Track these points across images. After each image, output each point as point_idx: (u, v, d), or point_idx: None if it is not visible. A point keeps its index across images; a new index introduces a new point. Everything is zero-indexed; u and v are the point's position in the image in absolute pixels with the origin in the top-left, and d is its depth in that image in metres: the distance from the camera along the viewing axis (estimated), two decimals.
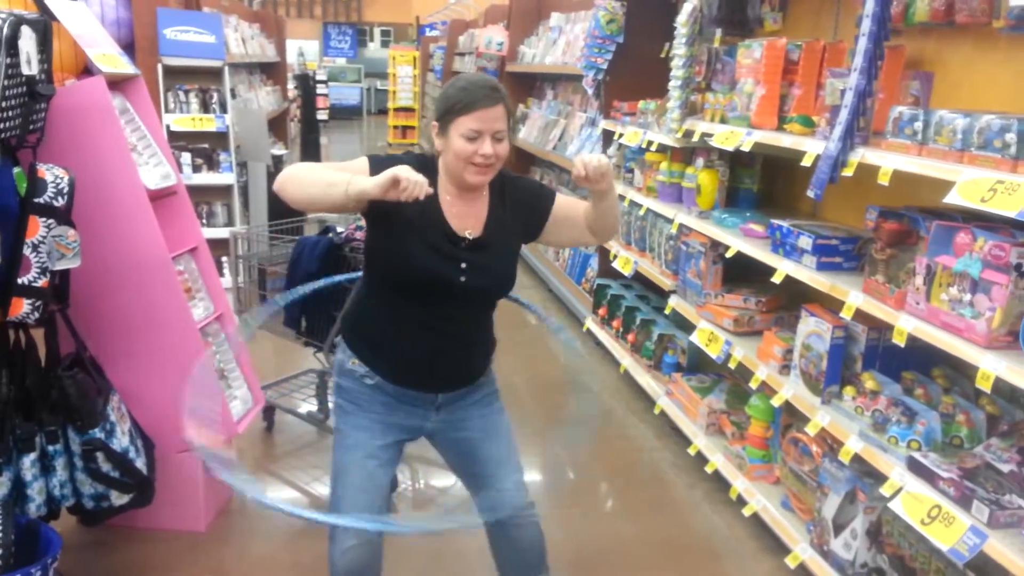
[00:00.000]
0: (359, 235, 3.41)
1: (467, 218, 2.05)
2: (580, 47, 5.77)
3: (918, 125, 2.39)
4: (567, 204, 2.18)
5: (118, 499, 2.57)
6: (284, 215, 5.65)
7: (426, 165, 2.05)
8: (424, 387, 2.11)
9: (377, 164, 1.98)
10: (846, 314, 2.67)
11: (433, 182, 2.02)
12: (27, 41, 2.17)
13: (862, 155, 2.58)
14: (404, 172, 1.76)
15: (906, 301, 2.42)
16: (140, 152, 2.95)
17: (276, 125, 9.45)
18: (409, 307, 2.04)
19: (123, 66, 2.93)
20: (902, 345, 2.42)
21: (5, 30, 2.10)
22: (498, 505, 2.17)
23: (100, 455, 2.47)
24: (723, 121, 3.52)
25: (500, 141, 1.97)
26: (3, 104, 2.13)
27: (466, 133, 1.93)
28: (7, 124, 2.17)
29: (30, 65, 2.20)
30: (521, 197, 2.13)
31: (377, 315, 2.10)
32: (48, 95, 2.30)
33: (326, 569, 2.07)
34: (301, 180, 1.90)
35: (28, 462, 2.41)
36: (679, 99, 3.84)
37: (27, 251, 2.27)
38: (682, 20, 3.80)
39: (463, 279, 2.01)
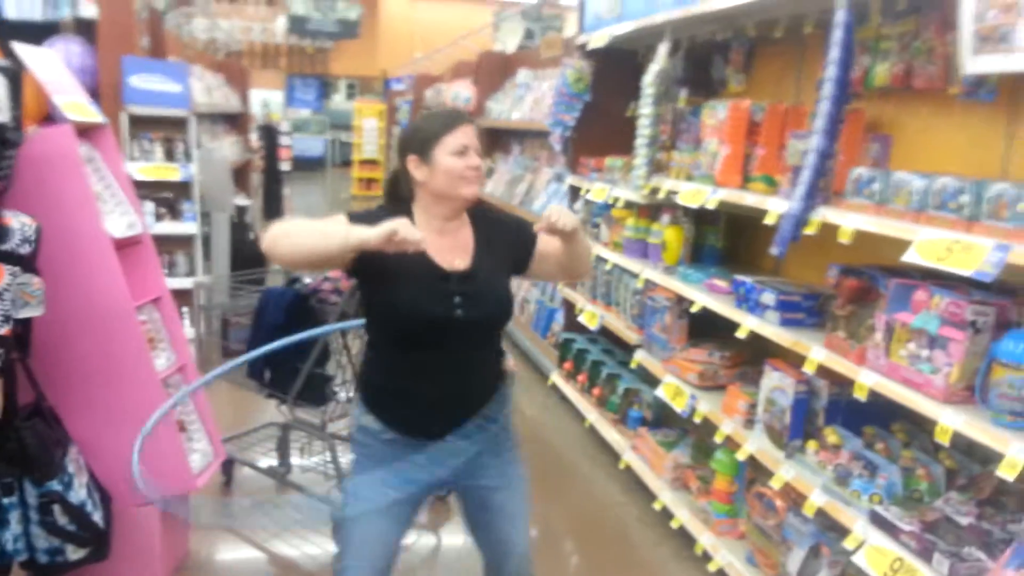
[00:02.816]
0: (326, 286, 3.40)
1: (453, 251, 2.08)
2: (547, 104, 5.87)
3: (877, 186, 2.48)
4: (547, 239, 2.22)
5: (74, 554, 2.49)
6: (247, 266, 5.63)
7: (400, 213, 2.07)
8: (438, 432, 2.09)
9: (355, 218, 2.01)
10: (808, 369, 2.71)
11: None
12: None
13: (823, 214, 2.66)
14: (401, 224, 1.81)
15: (867, 356, 2.47)
16: (106, 200, 2.93)
17: (239, 175, 9.40)
18: (413, 355, 2.05)
19: (91, 114, 2.93)
20: (863, 400, 2.47)
21: None
22: (503, 557, 2.23)
23: (57, 508, 2.41)
24: (688, 179, 3.60)
25: (479, 156, 2.07)
26: None
27: (455, 149, 2.02)
28: None
29: (1, 112, 2.18)
30: (505, 229, 2.18)
31: (384, 368, 2.12)
32: (17, 142, 2.29)
33: None
34: (293, 237, 1.90)
35: None
36: (645, 157, 3.92)
37: None
38: (648, 80, 3.90)
39: (459, 312, 2.02)
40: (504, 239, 2.17)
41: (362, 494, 2.13)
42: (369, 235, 1.81)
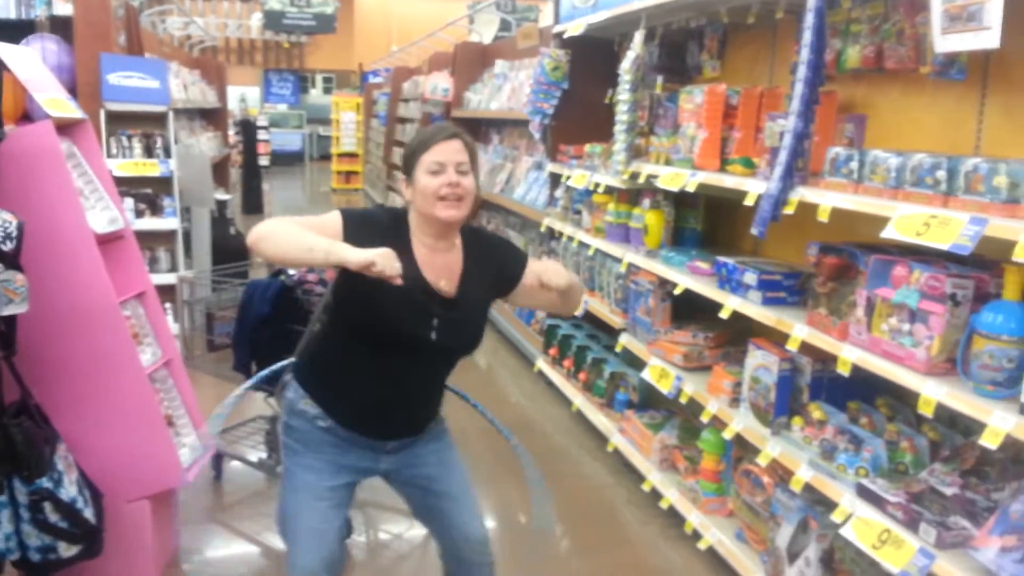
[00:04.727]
0: (311, 277, 3.40)
1: (441, 270, 2.05)
2: (525, 93, 5.88)
3: (854, 164, 2.51)
4: (535, 276, 2.15)
5: (66, 551, 2.48)
6: (228, 260, 5.61)
7: (398, 220, 2.07)
8: (376, 435, 2.12)
9: (351, 220, 2.00)
10: (792, 346, 2.75)
11: (406, 236, 2.04)
12: None
13: (802, 194, 2.69)
14: (380, 259, 1.75)
15: (849, 332, 2.51)
16: (87, 196, 2.91)
17: (218, 171, 9.34)
18: (372, 356, 2.04)
19: (71, 111, 2.91)
20: (847, 375, 2.51)
21: None
22: (457, 542, 2.20)
23: (48, 505, 2.40)
24: (668, 163, 3.63)
25: (464, 174, 2.00)
26: None
27: (429, 167, 1.97)
28: None
29: None
30: (494, 254, 2.15)
31: (336, 358, 2.09)
32: None
33: None
34: (278, 240, 1.87)
35: None
36: (624, 142, 3.94)
37: None
38: (625, 67, 3.92)
39: (434, 336, 2.02)
40: (492, 264, 2.13)
41: (298, 482, 2.11)
42: (349, 258, 1.77)
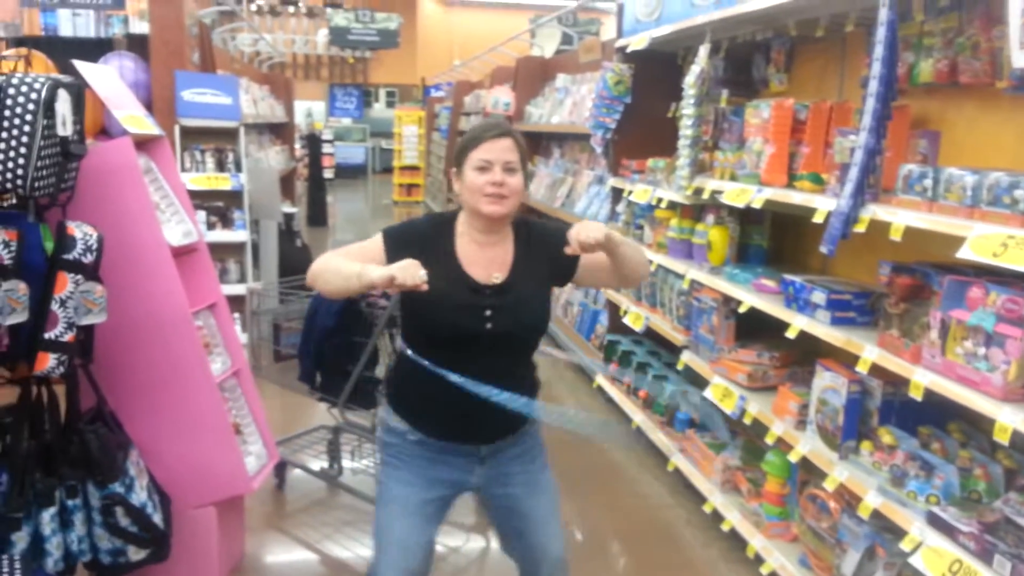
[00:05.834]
0: (375, 290, 3.45)
1: (491, 265, 2.08)
2: (587, 107, 5.88)
3: (928, 182, 2.45)
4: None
5: (135, 554, 2.56)
6: (293, 272, 5.73)
7: (442, 224, 2.12)
8: (466, 440, 2.14)
9: (391, 238, 2.06)
10: (862, 368, 2.68)
11: (450, 237, 2.09)
12: (63, 104, 2.25)
13: (873, 212, 2.63)
14: (399, 271, 1.82)
15: (922, 355, 2.44)
16: (163, 210, 3.01)
17: (284, 184, 9.56)
18: (443, 361, 2.06)
19: (148, 127, 3.01)
20: (919, 399, 2.44)
21: (44, 93, 2.18)
22: (537, 564, 2.22)
23: (119, 510, 2.48)
24: (733, 179, 3.58)
25: (512, 172, 2.03)
26: (39, 164, 2.19)
27: (477, 164, 2.02)
28: (42, 183, 2.24)
29: (65, 127, 2.27)
30: (549, 241, 2.14)
31: (414, 371, 2.13)
32: (80, 155, 2.37)
33: None
34: (326, 278, 1.99)
35: (47, 517, 2.41)
36: (688, 157, 3.91)
37: (54, 306, 2.31)
38: (690, 81, 3.89)
39: (489, 326, 2.03)
40: (545, 251, 2.13)
41: (391, 495, 2.15)
42: (374, 278, 1.85)
